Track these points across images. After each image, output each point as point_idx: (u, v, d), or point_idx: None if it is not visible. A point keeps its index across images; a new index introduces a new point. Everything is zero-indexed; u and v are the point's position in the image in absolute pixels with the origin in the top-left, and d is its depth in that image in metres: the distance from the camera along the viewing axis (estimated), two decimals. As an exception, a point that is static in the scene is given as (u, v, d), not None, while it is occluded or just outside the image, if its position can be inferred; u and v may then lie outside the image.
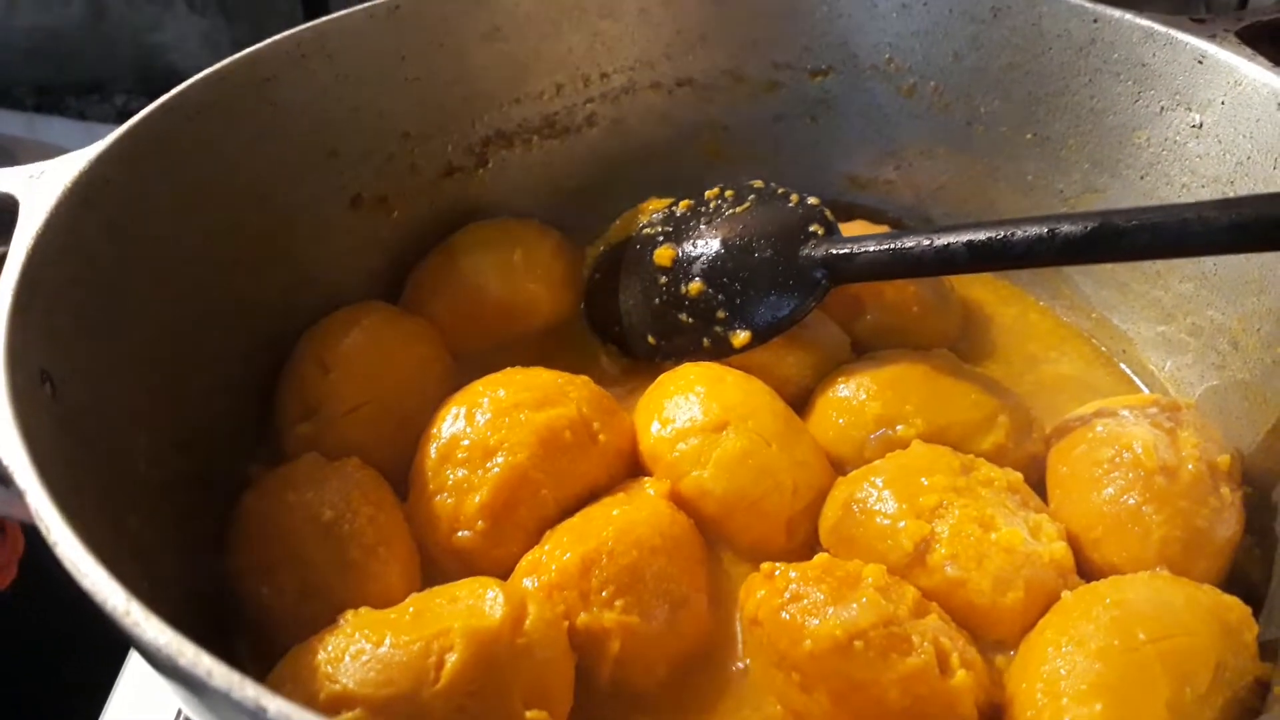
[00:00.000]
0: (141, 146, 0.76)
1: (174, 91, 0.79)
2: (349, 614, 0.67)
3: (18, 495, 0.49)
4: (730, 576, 0.79)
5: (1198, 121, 0.85)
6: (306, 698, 0.61)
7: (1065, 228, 0.74)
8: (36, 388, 0.59)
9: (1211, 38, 0.84)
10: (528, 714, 0.63)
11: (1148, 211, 0.72)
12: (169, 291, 0.79)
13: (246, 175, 0.86)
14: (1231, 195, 0.83)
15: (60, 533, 0.46)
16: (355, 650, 0.63)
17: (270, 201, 0.89)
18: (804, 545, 0.80)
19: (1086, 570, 0.74)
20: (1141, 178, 0.91)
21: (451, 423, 0.80)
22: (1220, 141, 0.84)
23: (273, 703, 0.39)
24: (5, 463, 0.50)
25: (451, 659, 0.62)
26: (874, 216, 1.06)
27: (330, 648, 0.64)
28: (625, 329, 0.97)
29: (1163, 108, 0.88)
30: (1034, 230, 0.76)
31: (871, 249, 0.84)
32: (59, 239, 0.66)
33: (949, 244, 0.80)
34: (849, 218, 1.03)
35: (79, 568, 0.45)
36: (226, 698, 0.40)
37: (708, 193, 0.98)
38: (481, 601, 0.66)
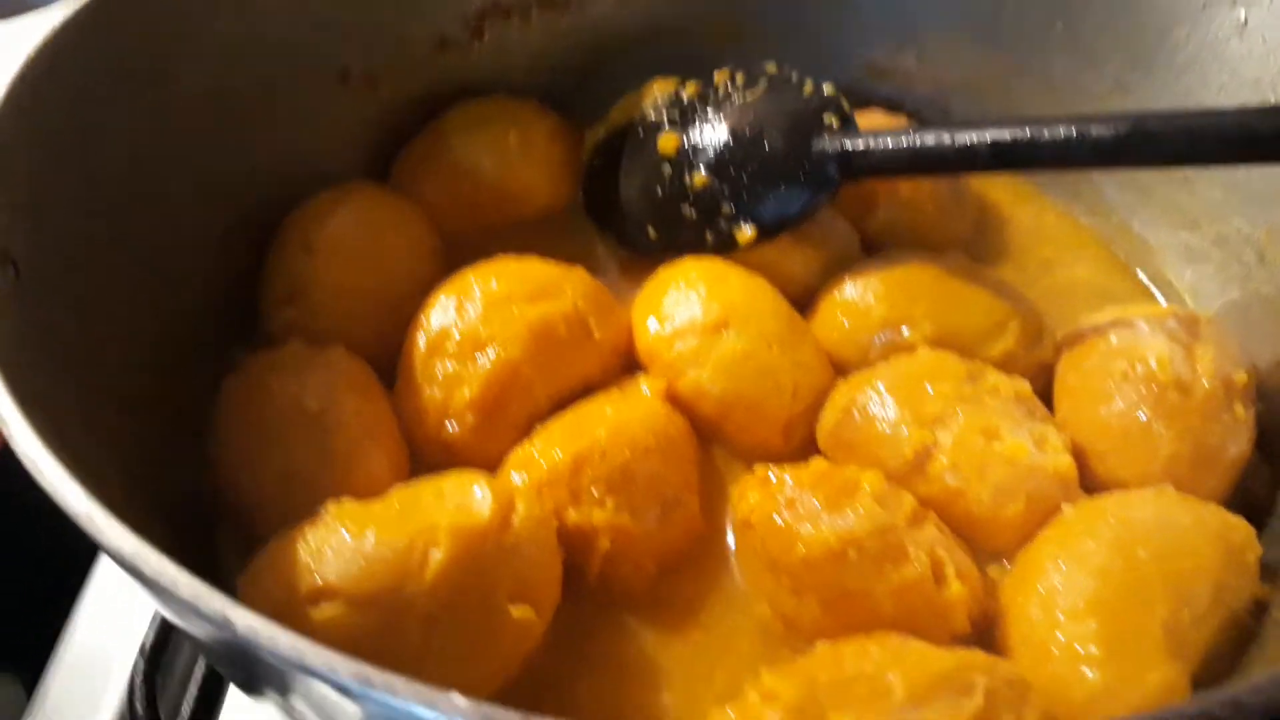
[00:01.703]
0: (112, 9, 0.70)
1: (148, -52, 0.73)
2: (331, 505, 0.65)
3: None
4: (724, 477, 0.78)
5: (1243, 18, 0.80)
6: (285, 590, 0.60)
7: (1095, 130, 0.70)
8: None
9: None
10: (513, 611, 0.62)
11: (1184, 116, 0.68)
12: (143, 166, 0.75)
13: (227, 45, 0.81)
14: (1273, 98, 0.78)
15: (18, 427, 0.43)
16: (337, 543, 0.61)
17: (252, 74, 0.84)
18: (801, 448, 0.78)
19: (1090, 483, 0.72)
20: (1177, 78, 0.86)
21: (441, 313, 0.77)
22: (1265, 41, 0.79)
23: (239, 615, 0.38)
24: (-39, 346, 0.47)
25: (436, 556, 0.61)
26: (891, 108, 1.00)
27: (311, 540, 0.62)
28: (625, 220, 0.93)
29: (1206, 2, 0.82)
30: (1062, 132, 0.71)
31: (889, 144, 0.80)
32: (22, 110, 0.62)
33: (971, 143, 0.75)
34: (865, 108, 0.98)
35: (38, 468, 0.43)
36: (193, 608, 0.38)
37: (717, 75, 0.92)
38: (469, 498, 0.64)
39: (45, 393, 0.52)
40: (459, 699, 0.35)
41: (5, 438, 0.45)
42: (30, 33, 0.66)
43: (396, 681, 0.36)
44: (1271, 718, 0.38)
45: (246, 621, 0.38)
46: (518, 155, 0.95)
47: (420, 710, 0.36)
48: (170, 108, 0.77)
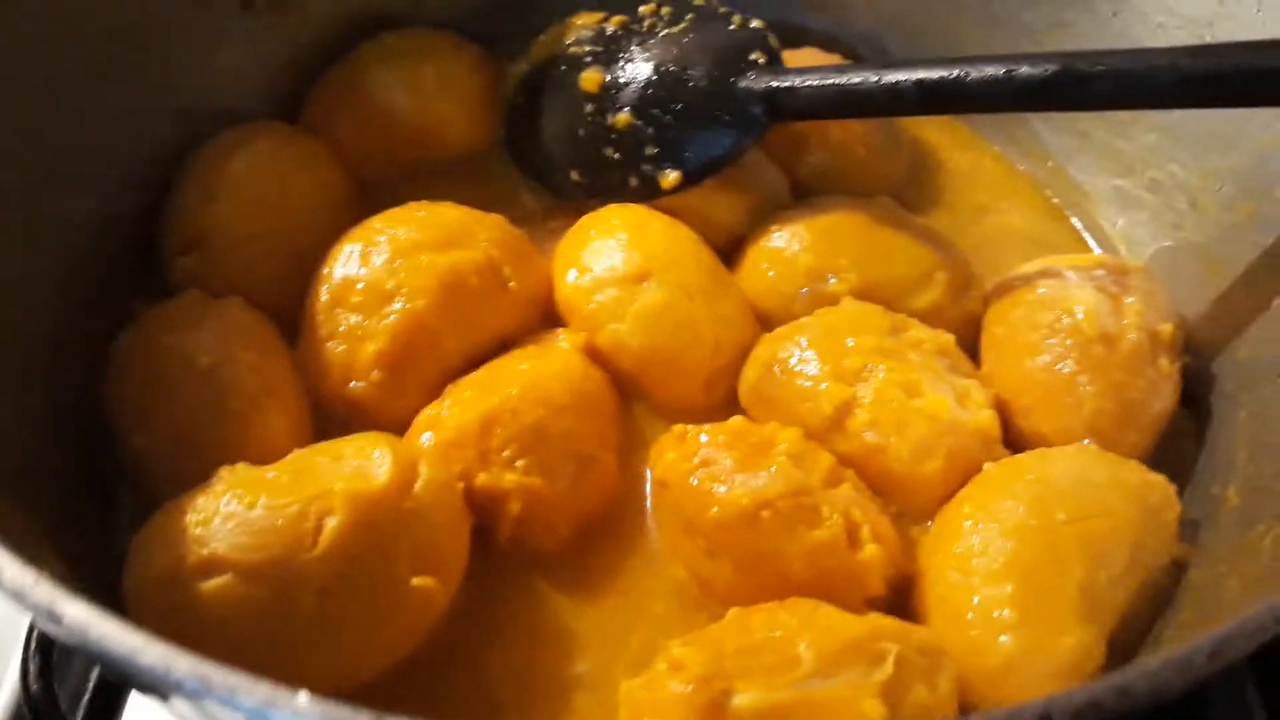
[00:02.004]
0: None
1: None
2: (223, 471, 0.62)
3: None
4: (644, 433, 0.76)
5: (1182, -47, 0.77)
6: (173, 560, 0.57)
7: (1024, 70, 0.67)
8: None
9: None
10: (414, 580, 0.60)
11: (1114, 56, 0.65)
12: (33, 105, 0.70)
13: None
14: (1208, 38, 0.76)
15: None
16: (227, 512, 0.59)
17: (149, 5, 0.78)
18: (723, 404, 0.76)
19: (1013, 438, 0.71)
20: (1114, 14, 0.83)
21: (344, 263, 0.73)
22: (1204, -22, 0.76)
23: (69, 608, 0.34)
24: None
25: (331, 523, 0.58)
26: (827, 44, 0.97)
27: (201, 508, 0.59)
28: (547, 162, 0.89)
29: (1146, -64, 0.79)
30: (990, 71, 0.69)
31: (814, 83, 0.77)
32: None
33: (898, 81, 0.73)
34: (799, 44, 0.95)
35: None
36: (21, 597, 0.35)
37: (643, 8, 0.88)
38: (368, 462, 0.62)
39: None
40: (304, 699, 0.33)
41: None
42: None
43: (239, 682, 0.33)
44: (1159, 702, 0.37)
45: (75, 614, 0.35)
46: (435, 91, 0.90)
47: (268, 711, 0.34)
48: (68, 40, 0.72)
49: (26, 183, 0.69)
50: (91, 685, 0.69)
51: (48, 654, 0.67)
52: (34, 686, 0.62)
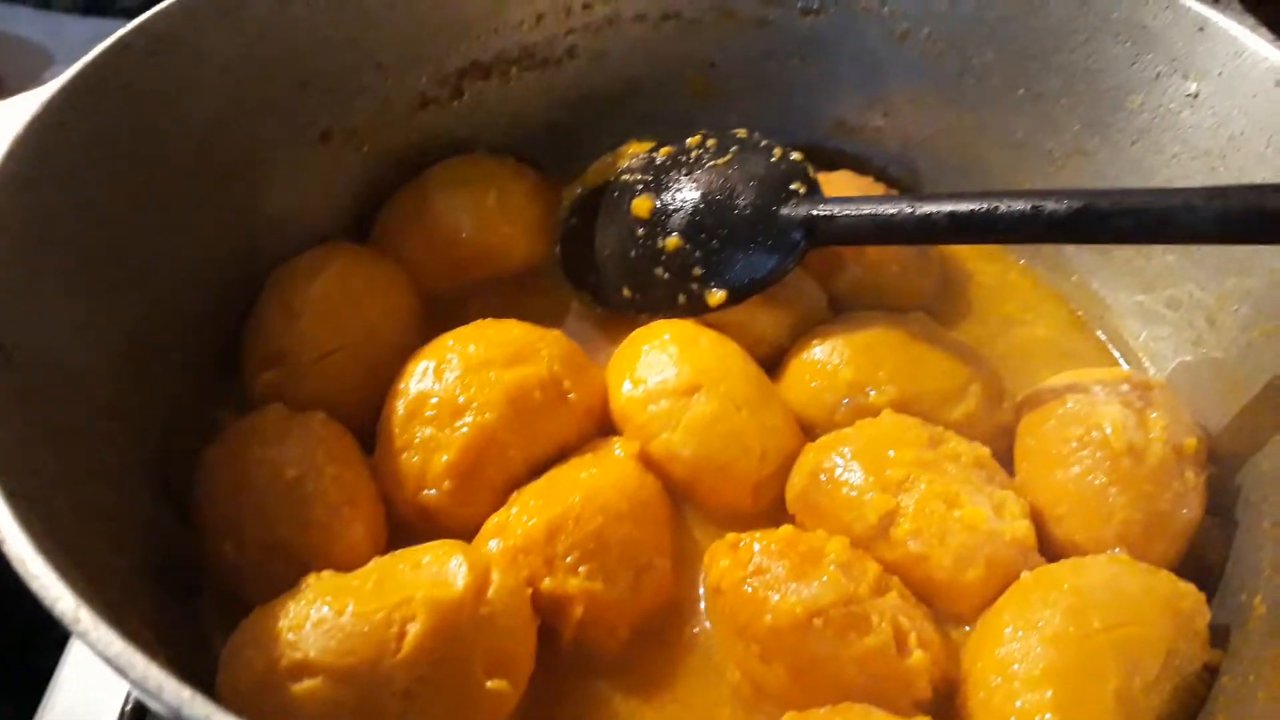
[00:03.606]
0: (100, 85, 0.72)
1: (133, 25, 0.75)
2: (311, 578, 0.67)
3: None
4: (696, 539, 0.80)
5: (1194, 90, 0.83)
6: (267, 664, 0.62)
7: (1050, 206, 0.73)
8: (-12, 360, 0.57)
9: (1215, 3, 0.81)
10: (489, 683, 0.64)
11: (1133, 194, 0.70)
12: (128, 232, 0.76)
13: (211, 110, 0.83)
14: (1222, 170, 0.82)
15: (8, 529, 0.45)
16: (317, 618, 0.63)
17: (236, 137, 0.86)
18: (771, 509, 0.80)
19: (1048, 545, 0.75)
20: (1132, 144, 0.89)
21: (420, 379, 0.79)
22: (1215, 113, 0.82)
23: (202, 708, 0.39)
24: (-48, 447, 0.49)
25: (413, 629, 0.62)
26: (859, 165, 1.03)
27: (292, 614, 0.64)
28: (600, 279, 0.95)
29: (1159, 73, 0.85)
30: (1019, 206, 0.74)
31: (852, 213, 0.83)
32: (9, 192, 0.64)
33: (931, 213, 0.78)
34: (834, 165, 1.02)
35: (28, 569, 0.44)
36: (178, 713, 0.40)
37: (689, 140, 0.95)
38: (445, 570, 0.66)
39: (34, 479, 0.53)
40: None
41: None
42: (16, 113, 0.67)
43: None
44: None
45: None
46: (497, 213, 0.97)
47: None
48: (156, 180, 0.79)
49: (130, 313, 0.76)
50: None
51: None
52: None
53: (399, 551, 0.69)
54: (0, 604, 1.14)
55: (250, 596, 0.68)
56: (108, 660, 0.41)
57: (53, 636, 0.94)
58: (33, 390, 0.61)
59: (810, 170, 0.88)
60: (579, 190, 1.00)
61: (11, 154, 0.65)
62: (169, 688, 0.40)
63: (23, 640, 1.09)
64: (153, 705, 0.42)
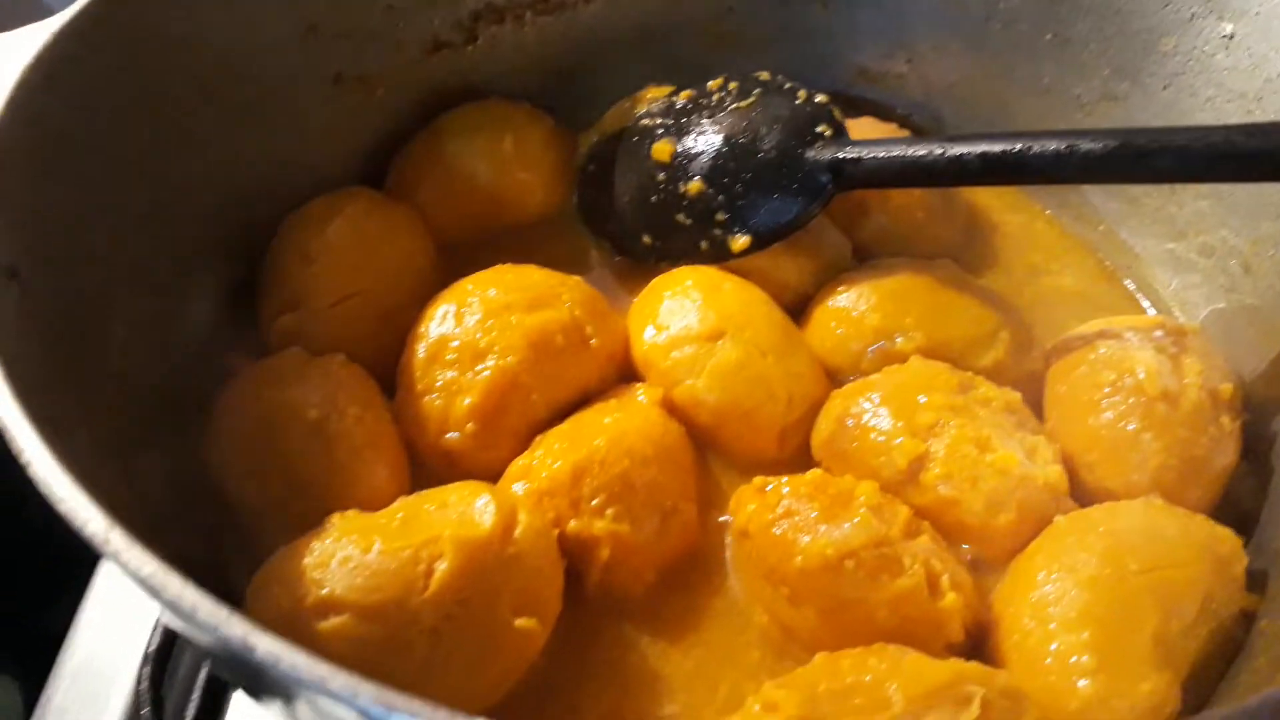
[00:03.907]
0: (107, 18, 0.70)
1: (140, -41, 0.73)
2: (336, 517, 0.66)
3: (-12, 402, 0.46)
4: (720, 485, 0.79)
5: (1229, 31, 0.81)
6: (292, 602, 0.61)
7: (1085, 145, 0.71)
8: (4, 285, 0.55)
9: (1253, -59, 0.79)
10: (516, 622, 0.63)
11: (1172, 133, 0.69)
12: (140, 173, 0.74)
13: (220, 51, 0.81)
14: (1258, 113, 0.80)
15: (35, 451, 0.44)
16: (343, 556, 0.62)
17: (246, 79, 0.84)
18: (796, 456, 0.79)
19: (1079, 492, 0.74)
20: (1164, 88, 0.87)
21: (440, 322, 0.78)
22: (1250, 55, 0.80)
23: (261, 641, 0.38)
24: (-28, 369, 0.48)
25: (441, 567, 0.61)
26: (882, 113, 1.02)
27: (318, 551, 0.63)
28: (619, 226, 0.93)
29: (1194, 14, 0.84)
30: (1052, 146, 0.73)
31: (881, 154, 0.81)
32: (21, 120, 0.62)
33: (962, 154, 0.77)
34: (856, 113, 0.99)
35: (55, 491, 0.43)
36: (213, 631, 0.38)
37: (710, 83, 0.93)
38: (471, 509, 0.65)
39: (54, 409, 0.52)
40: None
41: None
42: (26, 44, 0.65)
43: (420, 707, 0.37)
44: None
45: (267, 646, 0.38)
46: (513, 159, 0.95)
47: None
48: (164, 115, 0.77)
49: (140, 250, 0.74)
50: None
51: (158, 687, 0.72)
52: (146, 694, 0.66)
53: (424, 492, 0.68)
54: (12, 568, 1.14)
55: (272, 538, 0.67)
56: (140, 581, 0.40)
57: (64, 599, 0.93)
58: (48, 318, 0.59)
59: (836, 112, 0.87)
60: (596, 137, 0.99)
61: (23, 82, 0.63)
62: (204, 606, 0.39)
63: (34, 603, 1.09)
64: (186, 627, 0.41)
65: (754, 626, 0.70)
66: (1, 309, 0.52)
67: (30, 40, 0.65)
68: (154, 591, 0.40)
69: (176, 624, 0.43)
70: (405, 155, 0.96)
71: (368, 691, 0.37)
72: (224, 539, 0.74)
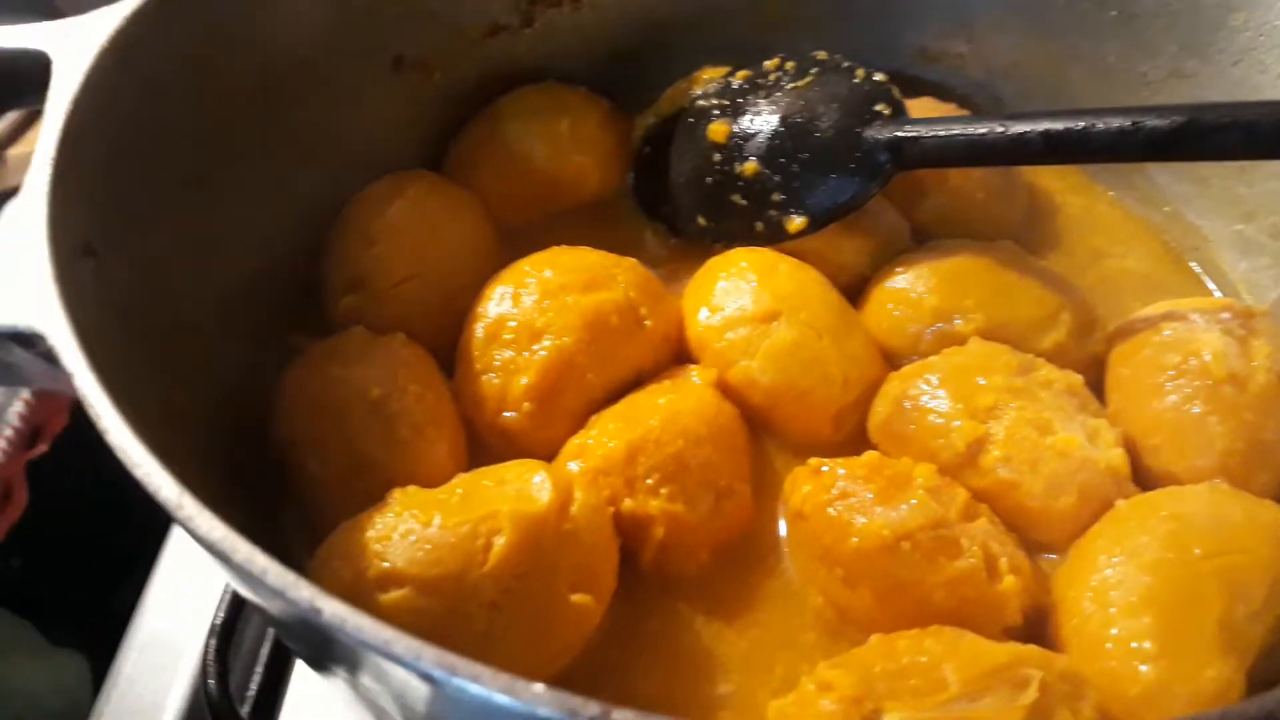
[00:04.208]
0: (176, 4, 0.72)
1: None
2: (397, 493, 0.67)
3: (65, 375, 0.48)
4: (774, 466, 0.79)
5: (1304, 4, 0.79)
6: (354, 575, 0.62)
7: (1151, 122, 0.70)
8: (80, 261, 0.57)
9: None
10: (572, 597, 0.64)
11: (1242, 108, 0.67)
12: (207, 154, 0.76)
13: (283, 33, 0.82)
14: (1334, 89, 0.78)
15: (111, 420, 0.45)
16: (404, 530, 0.63)
17: (308, 62, 0.85)
18: (851, 438, 0.79)
19: (1142, 476, 0.73)
20: (1234, 64, 0.85)
21: (498, 302, 0.79)
22: (1326, 28, 0.78)
23: (327, 604, 0.39)
24: (51, 342, 0.49)
25: (499, 541, 0.62)
26: (942, 93, 1.00)
27: (379, 526, 0.64)
28: (674, 207, 0.93)
29: (1266, -14, 0.81)
30: (1116, 123, 0.71)
31: (941, 133, 0.80)
32: (97, 100, 0.64)
33: (1024, 132, 0.75)
34: (915, 94, 0.98)
35: (130, 457, 0.45)
36: (281, 595, 0.40)
37: (767, 63, 0.92)
38: (529, 485, 0.66)
39: (129, 381, 0.54)
40: (539, 688, 0.37)
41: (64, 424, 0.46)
42: (100, 26, 0.67)
43: (482, 671, 0.37)
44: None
45: (333, 609, 0.39)
46: (570, 142, 0.95)
47: (500, 699, 0.38)
48: (231, 97, 0.78)
49: (208, 231, 0.76)
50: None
51: (224, 660, 0.74)
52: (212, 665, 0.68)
53: (483, 469, 0.69)
54: (85, 547, 1.18)
55: (334, 514, 0.69)
56: (210, 545, 0.42)
57: (129, 581, 0.97)
58: (121, 294, 0.61)
59: (895, 91, 0.85)
60: (652, 119, 0.99)
61: (97, 65, 0.65)
62: (273, 570, 0.40)
63: (102, 584, 1.13)
64: (253, 593, 0.43)
65: (809, 608, 0.70)
66: (78, 283, 0.54)
67: (104, 23, 0.67)
68: (224, 556, 0.41)
69: (245, 590, 0.44)
70: (463, 138, 0.97)
71: (430, 655, 0.38)
72: (285, 516, 0.77)
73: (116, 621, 0.93)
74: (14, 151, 1.29)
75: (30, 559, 1.20)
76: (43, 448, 1.14)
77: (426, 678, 0.38)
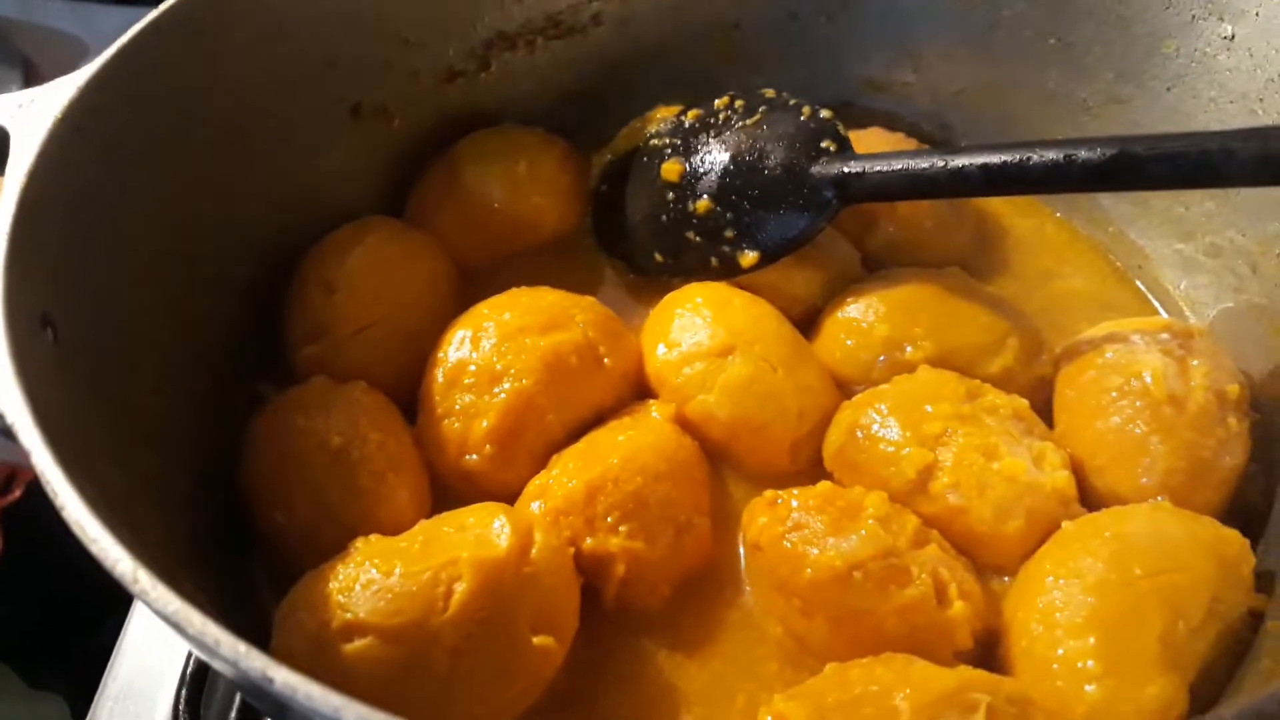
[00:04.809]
0: (132, 67, 0.73)
1: (164, 7, 0.76)
2: (359, 542, 0.68)
3: (23, 450, 0.49)
4: (734, 498, 0.81)
5: (1229, 33, 0.82)
6: (319, 625, 0.63)
7: (1083, 154, 0.72)
8: (38, 333, 0.58)
9: (1250, -58, 0.80)
10: (534, 639, 0.65)
11: (1169, 139, 0.69)
12: (167, 213, 0.78)
13: (242, 88, 0.84)
14: (1261, 113, 0.80)
15: (67, 496, 0.47)
16: (366, 579, 0.64)
17: (268, 115, 0.87)
18: (808, 467, 0.81)
19: (1088, 496, 0.75)
20: (1168, 90, 0.88)
21: (457, 347, 0.80)
22: (1252, 55, 0.80)
23: (279, 673, 0.41)
24: (9, 419, 0.50)
25: (459, 588, 0.63)
26: (890, 122, 1.03)
27: (342, 576, 0.65)
28: (632, 244, 0.95)
29: (1194, 16, 0.84)
30: (1051, 155, 0.73)
31: (883, 169, 0.82)
32: (53, 171, 0.65)
33: (963, 166, 0.77)
34: (864, 123, 1.01)
35: (86, 533, 0.46)
36: (235, 665, 0.41)
37: (717, 102, 0.94)
38: (489, 530, 0.67)
39: (87, 450, 0.55)
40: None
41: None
42: (55, 97, 0.69)
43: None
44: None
45: (284, 678, 0.41)
46: (528, 183, 0.97)
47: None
48: (191, 156, 0.80)
49: (170, 289, 0.77)
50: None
51: (195, 707, 0.75)
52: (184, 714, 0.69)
53: (444, 514, 0.70)
54: (62, 590, 1.18)
55: (299, 562, 0.70)
56: (166, 618, 0.43)
57: (110, 620, 0.97)
58: (80, 361, 0.62)
59: (840, 127, 0.88)
60: (608, 157, 1.01)
61: (52, 135, 0.66)
62: (225, 641, 0.41)
63: (82, 624, 1.13)
64: (210, 660, 0.44)
65: (769, 638, 0.72)
66: (35, 356, 0.55)
67: (58, 94, 0.68)
68: (178, 627, 0.42)
69: (204, 657, 0.45)
70: (423, 183, 0.99)
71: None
72: (254, 566, 0.78)
73: (95, 664, 0.94)
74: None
75: (7, 604, 1.20)
76: (16, 494, 1.15)
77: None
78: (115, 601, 0.99)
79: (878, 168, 0.82)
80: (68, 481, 0.47)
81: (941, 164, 0.79)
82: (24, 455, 1.05)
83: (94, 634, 1.08)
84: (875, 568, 0.66)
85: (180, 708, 0.75)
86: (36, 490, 1.12)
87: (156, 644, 0.93)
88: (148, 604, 0.44)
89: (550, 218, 0.98)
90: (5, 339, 0.53)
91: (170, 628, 0.44)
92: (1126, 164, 0.70)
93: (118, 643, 0.94)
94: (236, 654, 0.41)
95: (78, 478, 0.48)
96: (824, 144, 0.86)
